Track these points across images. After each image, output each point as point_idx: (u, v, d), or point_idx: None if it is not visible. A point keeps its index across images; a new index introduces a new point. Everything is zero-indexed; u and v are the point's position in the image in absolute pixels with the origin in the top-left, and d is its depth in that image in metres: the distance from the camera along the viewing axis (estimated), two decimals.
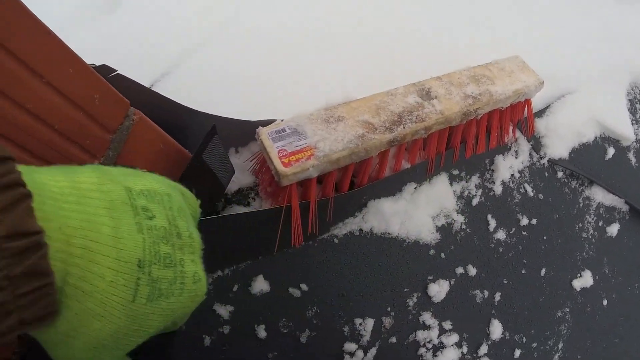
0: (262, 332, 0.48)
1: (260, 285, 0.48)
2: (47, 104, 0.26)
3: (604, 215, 0.73)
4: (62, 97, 0.28)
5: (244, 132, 0.50)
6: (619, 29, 0.93)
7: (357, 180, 0.49)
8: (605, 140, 0.76)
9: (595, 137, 0.74)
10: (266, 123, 0.45)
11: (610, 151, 0.75)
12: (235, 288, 0.48)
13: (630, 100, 0.84)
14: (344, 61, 0.60)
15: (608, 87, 0.79)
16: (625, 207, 0.76)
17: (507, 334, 0.60)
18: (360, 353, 0.51)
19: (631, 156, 0.80)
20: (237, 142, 0.52)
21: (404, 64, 0.60)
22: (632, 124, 0.81)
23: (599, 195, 0.72)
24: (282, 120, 0.45)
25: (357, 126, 0.46)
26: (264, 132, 0.42)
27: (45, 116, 0.27)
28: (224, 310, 0.47)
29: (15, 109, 0.25)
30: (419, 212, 0.51)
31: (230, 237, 0.45)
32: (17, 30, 0.23)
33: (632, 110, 0.83)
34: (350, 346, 0.50)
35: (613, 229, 0.73)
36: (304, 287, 0.50)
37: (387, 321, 0.53)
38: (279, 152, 0.41)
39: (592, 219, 0.71)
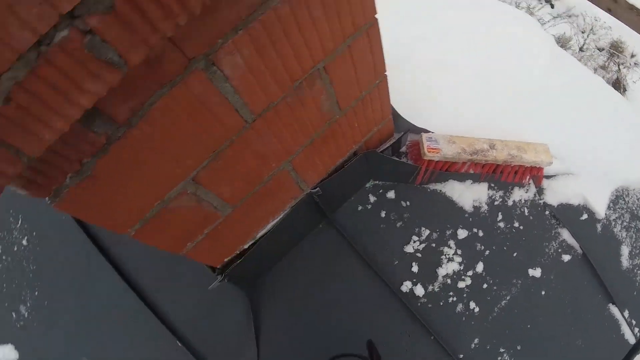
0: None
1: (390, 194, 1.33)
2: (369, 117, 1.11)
3: (565, 248, 1.50)
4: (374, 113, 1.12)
5: (409, 129, 1.34)
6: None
7: (450, 170, 1.32)
8: (584, 208, 1.52)
9: (579, 204, 1.50)
10: (421, 129, 1.29)
11: (584, 216, 1.51)
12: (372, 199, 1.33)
13: (617, 195, 1.59)
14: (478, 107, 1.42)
15: (603, 181, 1.55)
16: (580, 251, 1.53)
17: (484, 273, 1.40)
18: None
19: (599, 226, 1.55)
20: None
21: (496, 124, 1.40)
22: (609, 208, 1.56)
23: (565, 235, 1.49)
24: (432, 133, 1.28)
25: (458, 149, 1.29)
26: (424, 136, 1.26)
27: (361, 126, 1.10)
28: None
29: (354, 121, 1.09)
30: (467, 192, 1.34)
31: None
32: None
33: (614, 201, 1.58)
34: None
35: (565, 258, 1.50)
36: (407, 202, 1.34)
37: (431, 234, 1.35)
38: (427, 146, 1.24)
39: (555, 246, 1.49)
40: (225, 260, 1.10)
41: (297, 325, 1.31)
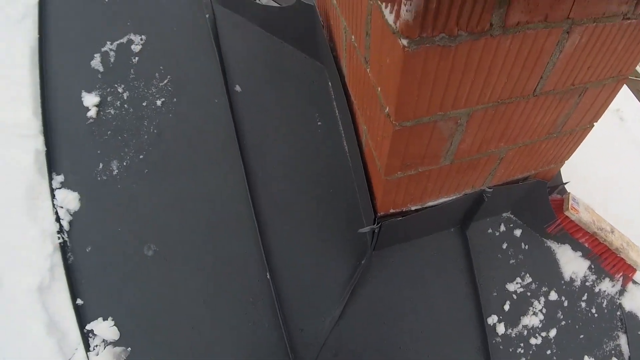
0: None
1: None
2: None
3: (617, 352, 1.66)
4: None
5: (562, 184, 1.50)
6: None
7: (573, 235, 1.48)
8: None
9: None
10: (565, 190, 1.45)
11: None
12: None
13: None
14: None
15: None
16: None
17: (553, 340, 1.52)
18: None
19: None
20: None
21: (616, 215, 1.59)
22: None
23: (622, 340, 1.65)
24: (577, 198, 1.44)
25: (590, 219, 1.45)
26: (571, 195, 1.42)
27: (552, 155, 1.26)
28: None
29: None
30: (572, 262, 1.49)
31: None
32: None
33: None
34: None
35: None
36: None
37: (531, 283, 1.47)
38: (571, 205, 1.40)
39: (611, 346, 1.64)
40: (390, 211, 1.16)
41: (382, 307, 1.35)
